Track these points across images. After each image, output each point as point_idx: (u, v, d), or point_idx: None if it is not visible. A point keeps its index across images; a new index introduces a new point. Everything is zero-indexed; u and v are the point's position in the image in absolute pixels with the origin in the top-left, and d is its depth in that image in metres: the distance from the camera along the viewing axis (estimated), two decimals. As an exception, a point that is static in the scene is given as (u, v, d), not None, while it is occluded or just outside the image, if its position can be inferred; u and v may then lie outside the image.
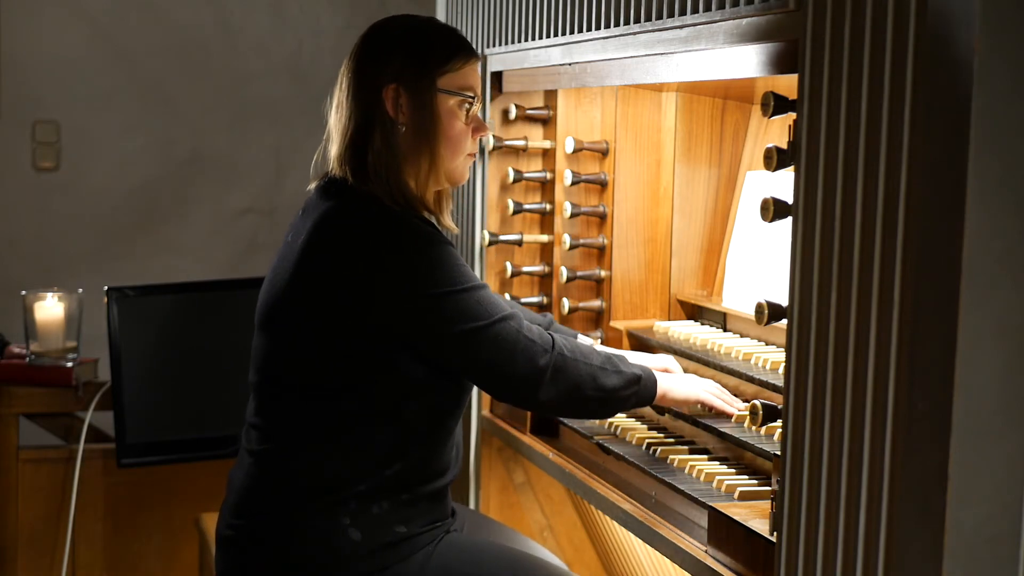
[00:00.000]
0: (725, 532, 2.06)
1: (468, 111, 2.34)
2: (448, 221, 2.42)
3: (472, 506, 3.24)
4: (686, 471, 2.33)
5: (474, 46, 3.28)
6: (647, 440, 2.51)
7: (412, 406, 2.25)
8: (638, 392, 2.34)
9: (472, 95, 2.34)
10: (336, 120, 2.35)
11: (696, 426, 2.45)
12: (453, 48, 2.33)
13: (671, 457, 2.40)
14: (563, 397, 2.27)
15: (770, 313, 2.05)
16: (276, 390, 2.30)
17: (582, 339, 2.65)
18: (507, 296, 3.14)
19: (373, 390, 2.23)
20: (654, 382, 2.37)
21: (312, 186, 2.39)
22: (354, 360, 2.22)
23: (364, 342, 2.21)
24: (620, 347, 2.95)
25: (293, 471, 2.26)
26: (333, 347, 2.23)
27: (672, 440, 2.52)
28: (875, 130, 1.69)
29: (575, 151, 3.02)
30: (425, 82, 2.29)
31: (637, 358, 2.52)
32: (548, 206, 3.13)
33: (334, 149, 2.34)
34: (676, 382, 2.42)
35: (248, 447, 2.34)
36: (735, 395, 2.52)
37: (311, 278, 2.24)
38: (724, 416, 2.41)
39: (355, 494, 2.23)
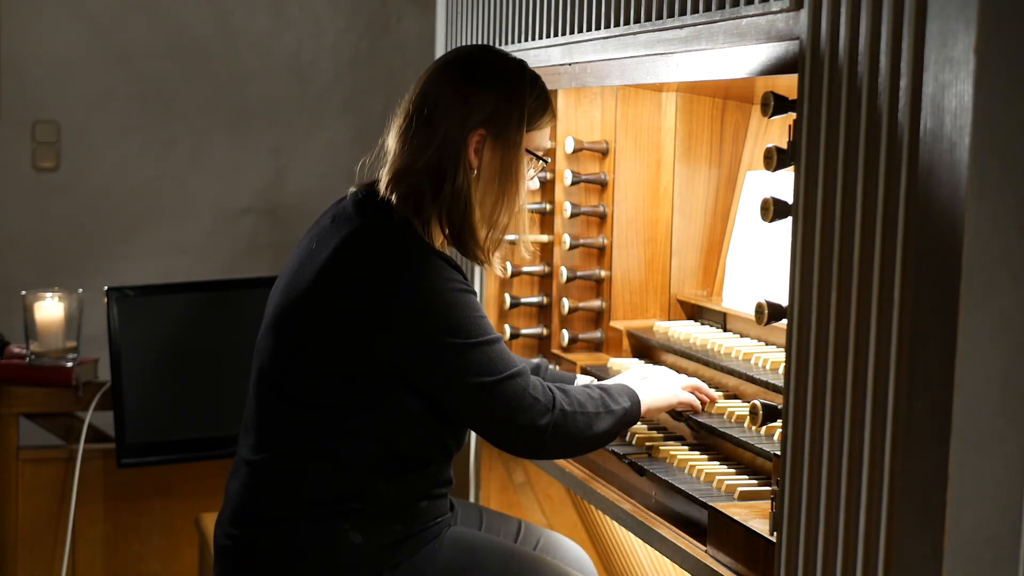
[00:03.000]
0: (725, 532, 2.06)
1: (535, 168, 2.33)
2: (497, 265, 2.36)
3: (472, 506, 3.24)
4: (686, 471, 2.33)
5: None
6: (646, 440, 2.51)
7: (407, 438, 2.22)
8: (626, 423, 2.37)
9: (547, 159, 2.32)
10: (403, 143, 2.25)
11: (695, 426, 2.45)
12: (545, 107, 2.29)
13: (671, 456, 2.40)
14: (562, 451, 2.31)
15: (770, 313, 2.05)
16: (275, 397, 2.28)
17: (579, 380, 2.62)
18: (507, 296, 3.14)
19: (371, 416, 2.20)
20: (638, 407, 2.38)
21: (351, 191, 2.33)
22: (357, 383, 2.20)
23: (371, 369, 2.19)
24: (620, 347, 2.95)
25: (290, 482, 2.24)
26: (339, 367, 2.20)
27: (671, 440, 2.52)
28: (875, 129, 1.69)
29: (575, 151, 3.02)
30: (516, 137, 2.24)
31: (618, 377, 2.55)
32: (548, 206, 3.13)
33: (388, 172, 2.26)
34: (653, 394, 2.41)
35: (244, 456, 2.32)
36: (735, 396, 2.52)
37: (331, 295, 2.20)
38: (703, 411, 2.46)
39: (353, 508, 2.22)
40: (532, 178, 2.35)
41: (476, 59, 2.31)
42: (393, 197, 2.23)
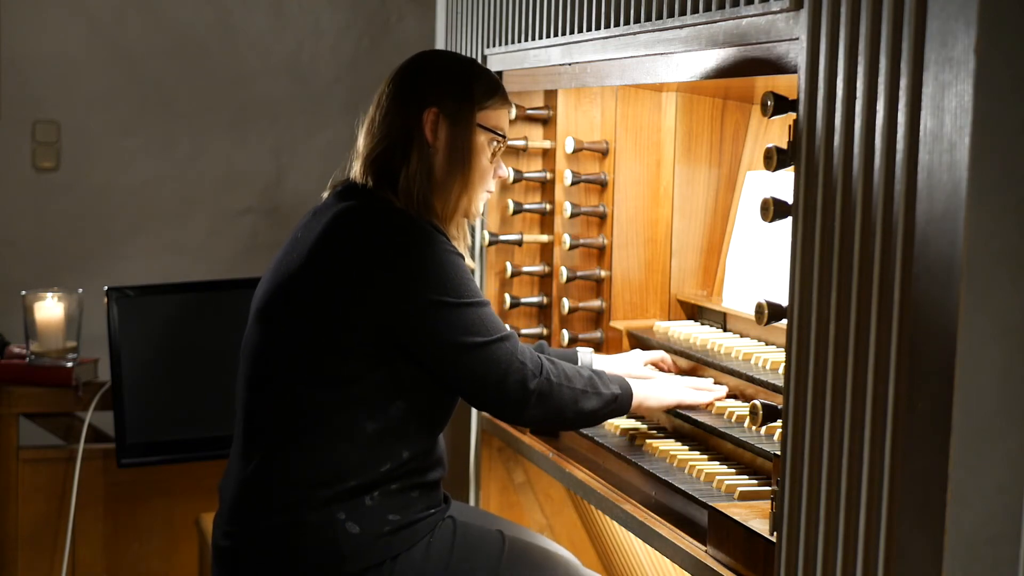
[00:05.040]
0: (725, 532, 2.06)
1: (495, 150, 2.40)
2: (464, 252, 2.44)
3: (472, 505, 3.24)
4: (686, 471, 2.33)
5: (474, 46, 3.29)
6: (644, 438, 2.51)
7: (400, 406, 2.26)
8: (614, 411, 2.42)
9: (503, 135, 2.41)
10: (368, 137, 2.39)
11: (695, 426, 2.45)
12: (494, 87, 2.41)
13: (671, 456, 2.40)
14: (544, 418, 2.36)
15: (770, 313, 2.05)
16: (268, 384, 2.32)
17: (581, 353, 2.69)
18: (507, 296, 3.14)
19: (364, 386, 2.25)
20: (629, 397, 2.43)
21: (326, 193, 2.43)
22: (350, 355, 2.24)
23: (363, 338, 2.23)
24: (620, 347, 2.95)
25: (284, 468, 2.27)
26: (331, 341, 2.24)
27: (670, 438, 2.52)
28: (873, 130, 1.69)
29: (575, 151, 3.02)
30: (466, 113, 2.36)
31: (612, 363, 2.61)
32: (548, 206, 3.13)
33: (359, 163, 2.39)
34: (651, 391, 2.47)
35: (239, 451, 2.35)
36: (735, 395, 2.52)
37: (321, 272, 2.26)
38: (706, 408, 2.48)
39: (347, 489, 2.24)
40: (494, 157, 2.41)
41: (424, 55, 2.48)
42: (369, 181, 2.35)
